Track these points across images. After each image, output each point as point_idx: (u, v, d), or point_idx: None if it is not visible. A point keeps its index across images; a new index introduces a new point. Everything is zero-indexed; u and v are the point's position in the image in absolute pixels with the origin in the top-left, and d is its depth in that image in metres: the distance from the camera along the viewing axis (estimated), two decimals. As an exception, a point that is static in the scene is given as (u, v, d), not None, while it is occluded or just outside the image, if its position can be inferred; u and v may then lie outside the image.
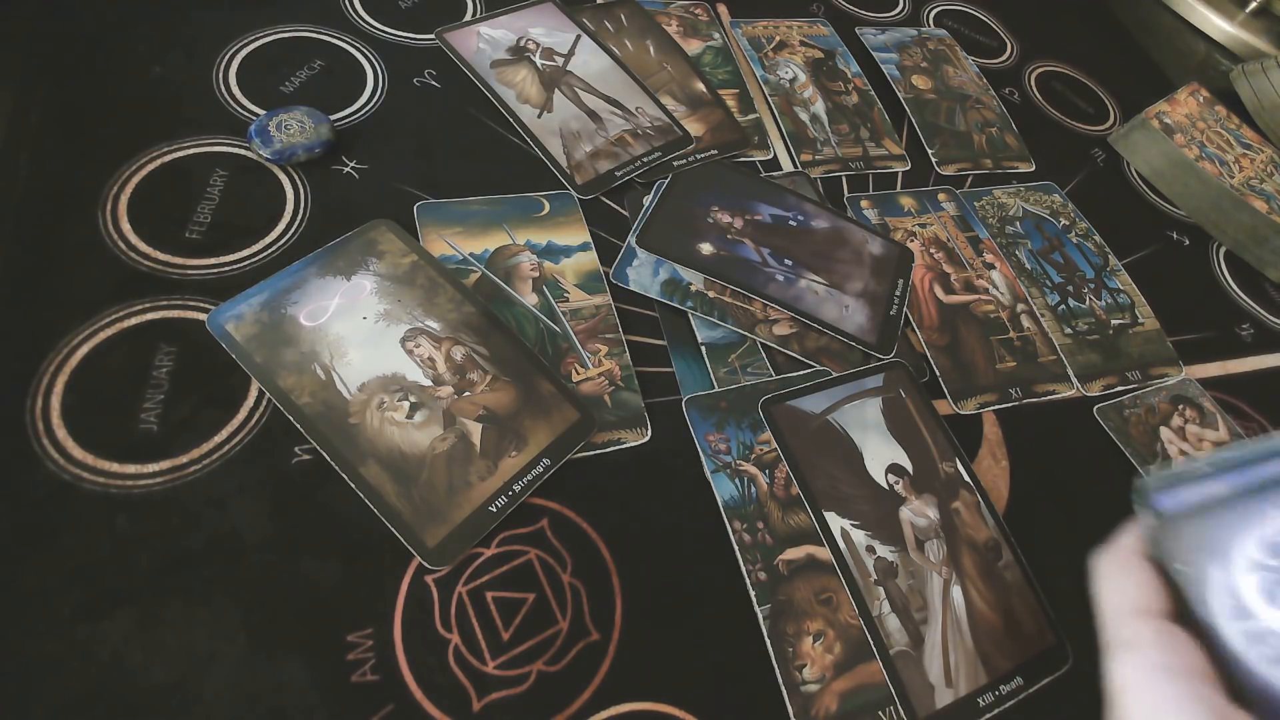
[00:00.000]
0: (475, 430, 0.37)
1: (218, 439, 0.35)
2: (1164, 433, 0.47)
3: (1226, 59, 0.83)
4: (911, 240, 0.52)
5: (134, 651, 0.29)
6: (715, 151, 0.53)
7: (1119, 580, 0.25)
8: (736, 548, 0.37)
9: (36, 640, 0.29)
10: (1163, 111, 0.66)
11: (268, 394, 0.36)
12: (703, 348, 0.44)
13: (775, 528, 0.38)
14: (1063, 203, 0.59)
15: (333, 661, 0.31)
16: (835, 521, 0.38)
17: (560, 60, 0.54)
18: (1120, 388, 0.49)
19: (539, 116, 0.51)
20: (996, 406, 0.46)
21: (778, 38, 0.63)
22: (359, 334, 0.38)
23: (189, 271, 0.39)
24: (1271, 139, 0.70)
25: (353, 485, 0.34)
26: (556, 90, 0.52)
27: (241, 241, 0.41)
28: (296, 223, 0.42)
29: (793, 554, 0.37)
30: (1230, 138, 0.67)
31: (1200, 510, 0.23)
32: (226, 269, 0.40)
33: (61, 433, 0.33)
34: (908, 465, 0.41)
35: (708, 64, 0.59)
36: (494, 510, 0.35)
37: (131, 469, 0.33)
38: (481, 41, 0.54)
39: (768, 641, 0.35)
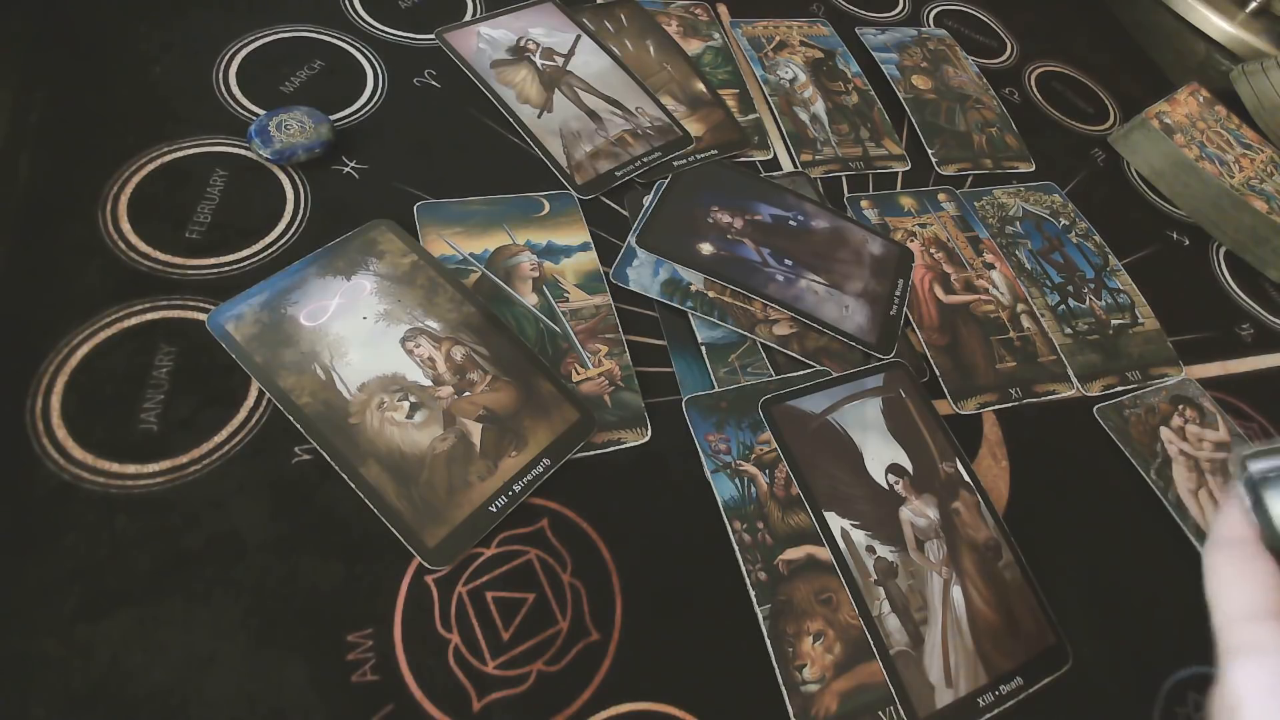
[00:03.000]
0: (475, 430, 0.37)
1: (218, 439, 0.35)
2: (1164, 433, 0.47)
3: (1226, 59, 0.83)
4: (911, 240, 0.52)
5: (134, 651, 0.29)
6: (715, 151, 0.53)
7: (1237, 577, 0.22)
8: (736, 548, 0.37)
9: (36, 640, 0.29)
10: (1163, 111, 0.66)
11: (268, 394, 0.36)
12: (703, 348, 0.44)
13: (775, 528, 0.38)
14: (1063, 203, 0.59)
15: (333, 661, 0.31)
16: (835, 521, 0.38)
17: (560, 60, 0.54)
18: (1120, 388, 0.49)
19: (539, 116, 0.51)
20: (996, 406, 0.46)
21: (778, 38, 0.63)
22: (359, 334, 0.38)
23: (189, 271, 0.39)
24: (1271, 139, 0.70)
25: (353, 485, 0.34)
26: (556, 90, 0.52)
27: (241, 241, 0.41)
28: (296, 223, 0.42)
29: (793, 554, 0.37)
30: (1230, 138, 0.67)
31: None
32: (226, 269, 0.40)
33: (61, 433, 0.33)
34: (908, 465, 0.41)
35: (708, 64, 0.59)
36: (494, 510, 0.35)
37: (131, 469, 0.33)
38: (481, 41, 0.54)
39: (768, 641, 0.35)
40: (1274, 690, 0.20)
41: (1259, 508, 0.22)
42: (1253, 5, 0.85)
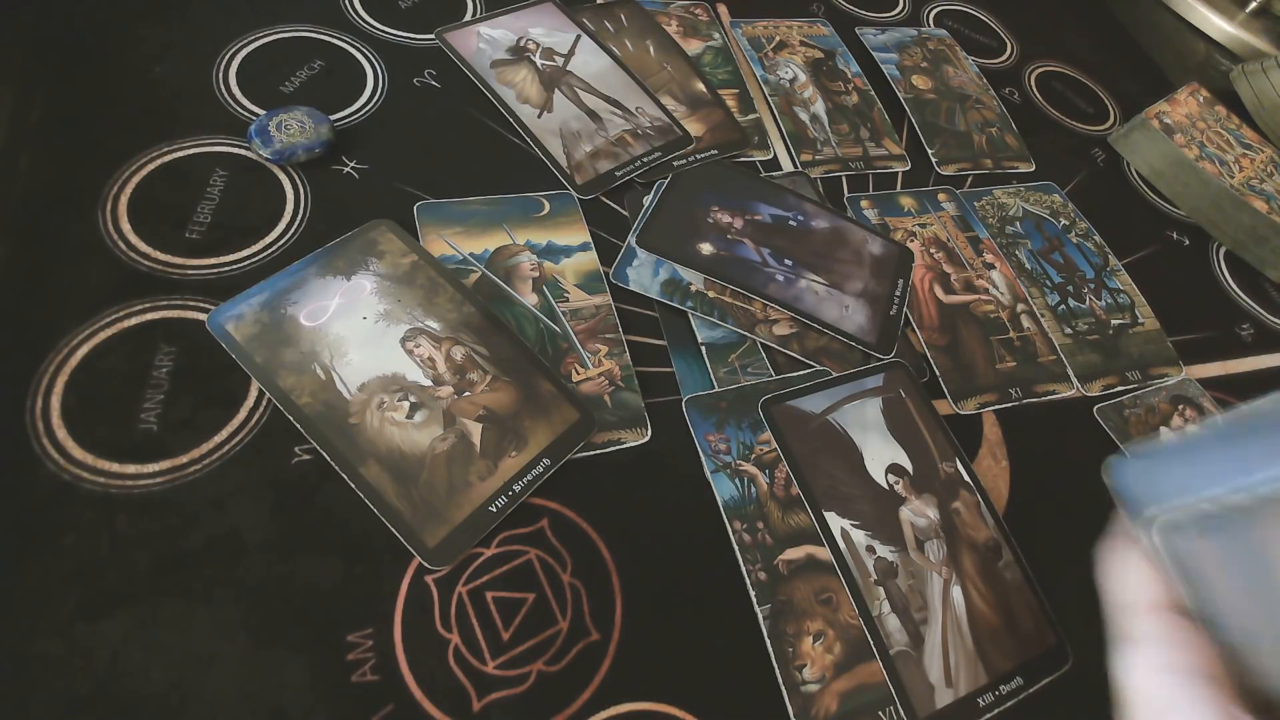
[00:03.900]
0: (475, 430, 0.37)
1: (218, 439, 0.35)
2: (1164, 433, 0.47)
3: (1226, 59, 0.83)
4: (911, 240, 0.52)
5: (134, 651, 0.29)
6: (715, 151, 0.53)
7: (1123, 571, 0.24)
8: (736, 548, 0.37)
9: (36, 640, 0.29)
10: (1163, 111, 0.66)
11: (268, 394, 0.36)
12: (703, 348, 0.44)
13: (775, 528, 0.38)
14: (1063, 203, 0.59)
15: (333, 661, 0.31)
16: (835, 521, 0.38)
17: (560, 60, 0.54)
18: (1120, 388, 0.49)
19: (539, 116, 0.51)
20: (996, 406, 0.46)
21: (778, 38, 0.63)
22: (359, 334, 0.38)
23: (189, 271, 0.39)
24: (1271, 139, 0.70)
25: (353, 485, 0.34)
26: (556, 90, 0.52)
27: (241, 241, 0.41)
28: (296, 223, 0.42)
29: (793, 554, 0.37)
30: (1230, 138, 0.67)
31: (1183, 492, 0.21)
32: (226, 269, 0.40)
33: (61, 433, 0.33)
34: (908, 465, 0.41)
35: (708, 64, 0.59)
36: (494, 510, 0.35)
37: (131, 469, 0.33)
38: (481, 41, 0.54)
39: (768, 641, 0.35)
40: (1154, 682, 0.21)
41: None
42: (1253, 5, 0.85)
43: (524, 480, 0.36)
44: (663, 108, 0.54)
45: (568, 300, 0.43)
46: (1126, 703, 0.22)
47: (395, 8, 0.55)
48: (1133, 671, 0.22)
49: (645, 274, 0.45)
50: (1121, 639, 0.23)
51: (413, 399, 0.37)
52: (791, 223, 0.50)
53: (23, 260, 0.37)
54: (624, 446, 0.39)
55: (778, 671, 0.34)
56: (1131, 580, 0.23)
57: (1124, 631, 0.23)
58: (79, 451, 0.33)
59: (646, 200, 0.49)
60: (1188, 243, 0.61)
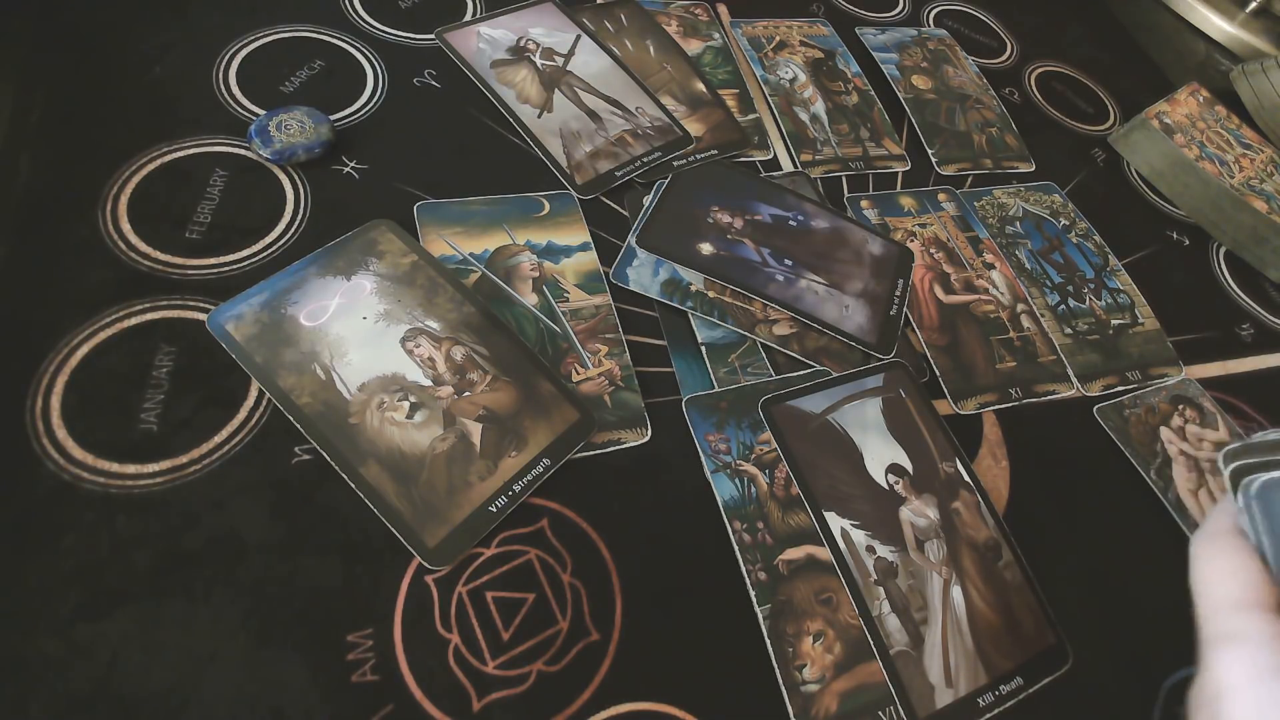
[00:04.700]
0: (475, 430, 0.37)
1: (218, 439, 0.35)
2: (1164, 433, 0.47)
3: (1226, 59, 0.83)
4: (911, 240, 0.52)
5: (134, 651, 0.29)
6: (715, 151, 0.53)
7: (1222, 568, 0.23)
8: (736, 548, 0.37)
9: (36, 640, 0.29)
10: (1163, 111, 0.66)
11: (268, 394, 0.36)
12: (703, 348, 0.44)
13: (775, 528, 0.38)
14: (1063, 203, 0.59)
15: (333, 661, 0.31)
16: (835, 521, 0.38)
17: (560, 60, 0.54)
18: (1120, 388, 0.49)
19: (539, 116, 0.51)
20: (996, 406, 0.46)
21: (778, 38, 0.63)
22: (359, 334, 0.38)
23: (189, 271, 0.39)
24: (1271, 139, 0.70)
25: (353, 485, 0.34)
26: (556, 90, 0.52)
27: (241, 241, 0.41)
28: (296, 223, 0.42)
29: (793, 554, 0.37)
30: (1230, 138, 0.67)
31: None
32: (226, 269, 0.40)
33: (61, 433, 0.33)
34: (908, 465, 0.41)
35: (708, 64, 0.59)
36: (494, 510, 0.35)
37: (131, 469, 0.33)
38: (481, 41, 0.54)
39: (768, 641, 0.35)
40: (1259, 677, 0.20)
41: (1240, 502, 0.23)
42: (1253, 5, 0.85)
43: (524, 480, 0.36)
44: (663, 108, 0.54)
45: (568, 300, 0.43)
46: (1224, 702, 0.21)
47: (395, 8, 0.55)
48: (1235, 670, 0.21)
49: (645, 274, 0.45)
50: (1220, 637, 0.22)
51: (413, 399, 0.37)
52: (791, 223, 0.50)
53: (23, 260, 0.37)
54: (624, 446, 0.39)
55: (778, 671, 0.34)
56: (1233, 577, 0.23)
57: (1223, 629, 0.22)
58: (79, 451, 0.33)
59: (646, 200, 0.49)
60: (1188, 243, 0.61)
